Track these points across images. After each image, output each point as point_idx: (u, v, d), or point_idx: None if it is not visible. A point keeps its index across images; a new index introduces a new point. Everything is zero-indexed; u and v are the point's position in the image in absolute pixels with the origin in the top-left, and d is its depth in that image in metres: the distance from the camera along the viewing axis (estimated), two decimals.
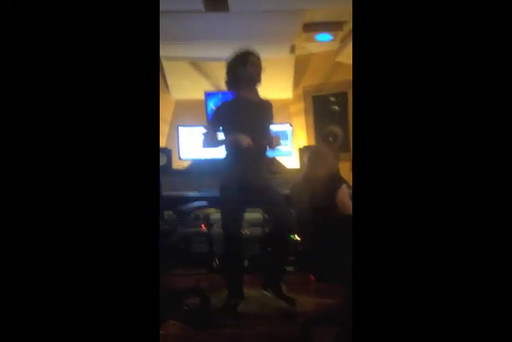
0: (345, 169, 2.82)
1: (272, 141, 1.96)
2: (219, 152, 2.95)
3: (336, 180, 1.69)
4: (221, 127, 1.97)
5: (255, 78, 1.92)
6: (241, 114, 1.91)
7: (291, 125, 3.03)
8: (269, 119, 2.03)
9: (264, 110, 2.00)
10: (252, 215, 2.44)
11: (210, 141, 1.99)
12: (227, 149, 1.99)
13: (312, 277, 2.29)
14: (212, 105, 3.06)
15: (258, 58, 1.94)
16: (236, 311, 1.87)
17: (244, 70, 1.90)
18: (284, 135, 2.90)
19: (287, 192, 2.03)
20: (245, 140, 1.82)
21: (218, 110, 1.99)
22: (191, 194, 2.57)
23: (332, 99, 3.01)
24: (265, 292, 2.00)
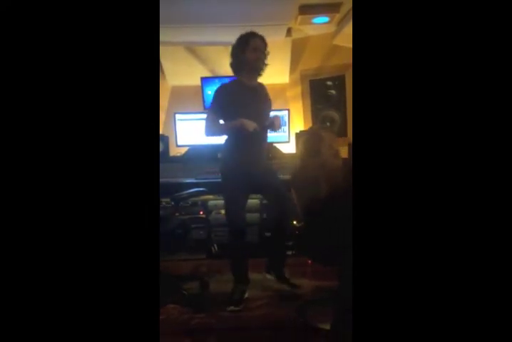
0: (342, 154, 2.82)
1: (274, 122, 1.89)
2: (217, 138, 2.96)
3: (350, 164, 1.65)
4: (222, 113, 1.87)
5: (256, 64, 1.82)
6: (242, 98, 1.84)
7: (288, 111, 3.01)
8: (268, 103, 1.98)
9: (262, 95, 1.95)
10: (250, 201, 2.46)
11: (213, 128, 1.86)
12: (228, 134, 1.91)
13: (310, 261, 2.33)
14: (208, 91, 3.03)
15: (261, 42, 1.83)
16: (244, 296, 1.89)
17: (244, 55, 1.81)
18: (281, 121, 2.87)
19: (284, 177, 2.03)
20: (251, 124, 1.76)
21: (218, 94, 1.87)
22: (188, 180, 2.57)
23: (329, 83, 2.98)
24: (268, 276, 2.03)
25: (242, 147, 1.87)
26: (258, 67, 1.84)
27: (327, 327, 1.52)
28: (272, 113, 2.02)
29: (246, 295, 1.92)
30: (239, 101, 1.83)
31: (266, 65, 1.87)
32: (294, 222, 2.57)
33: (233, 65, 1.89)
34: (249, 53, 1.81)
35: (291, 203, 1.95)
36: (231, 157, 1.90)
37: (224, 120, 1.88)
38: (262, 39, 1.84)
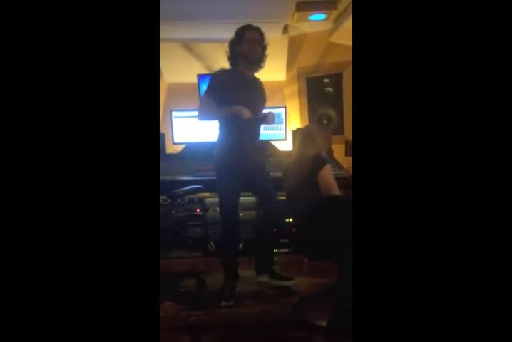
0: (339, 152, 2.83)
1: (267, 116, 1.88)
2: (214, 135, 2.94)
3: (319, 161, 1.69)
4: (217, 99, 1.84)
5: (252, 55, 1.81)
6: (238, 86, 1.83)
7: (285, 109, 3.01)
8: (262, 97, 1.97)
9: (258, 89, 1.95)
10: (247, 199, 2.45)
11: (208, 112, 1.85)
12: (222, 121, 1.89)
13: (306, 258, 2.34)
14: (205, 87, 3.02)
15: (257, 34, 1.82)
16: (234, 291, 1.91)
17: (239, 47, 1.82)
18: (278, 118, 2.87)
19: (279, 174, 2.04)
20: (246, 112, 1.75)
21: (215, 78, 1.86)
22: (185, 178, 2.57)
23: (326, 81, 2.98)
24: (260, 278, 2.04)
25: (234, 137, 1.87)
26: (254, 58, 1.83)
27: (324, 323, 1.54)
28: (269, 110, 2.01)
29: (236, 290, 1.93)
30: (235, 89, 1.82)
31: (265, 56, 1.87)
32: (291, 220, 2.59)
33: (230, 59, 1.89)
34: (244, 45, 1.81)
35: (277, 202, 2.00)
36: (223, 148, 1.90)
37: (218, 105, 1.84)
38: (258, 31, 1.83)
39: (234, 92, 1.81)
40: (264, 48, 1.86)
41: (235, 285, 1.95)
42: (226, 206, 1.92)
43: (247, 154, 1.89)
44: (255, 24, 1.89)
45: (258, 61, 1.86)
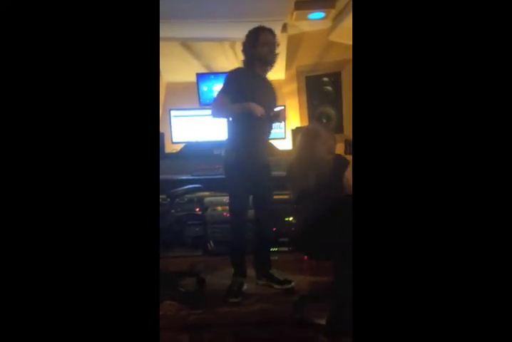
0: (338, 150, 2.82)
1: (279, 114, 1.91)
2: (213, 134, 2.93)
3: (343, 162, 1.69)
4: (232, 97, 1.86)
5: (269, 58, 1.85)
6: (253, 85, 1.86)
7: (284, 107, 3.00)
8: (275, 96, 2.01)
9: (270, 88, 1.98)
10: None
11: (221, 109, 1.86)
12: (233, 122, 1.90)
13: (305, 257, 2.34)
14: (204, 87, 3.02)
15: (271, 35, 1.85)
16: (242, 288, 1.93)
17: (255, 50, 1.84)
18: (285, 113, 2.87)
19: (279, 174, 2.04)
20: (259, 109, 1.78)
21: (231, 76, 1.87)
22: (184, 177, 2.57)
23: (325, 79, 2.98)
24: (261, 282, 2.05)
25: (246, 135, 1.88)
26: (271, 60, 1.87)
27: (324, 322, 1.54)
28: (280, 108, 2.06)
29: (244, 287, 1.95)
30: (250, 87, 1.85)
31: (276, 55, 1.90)
32: (291, 218, 2.59)
33: (245, 61, 1.91)
34: (260, 48, 1.83)
35: (273, 202, 2.01)
36: (234, 147, 1.91)
37: (232, 103, 1.87)
38: (272, 32, 1.87)
39: (249, 91, 1.84)
40: (276, 48, 1.89)
41: (243, 282, 1.96)
42: (237, 207, 1.93)
43: (258, 153, 1.91)
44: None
45: (273, 62, 1.89)
